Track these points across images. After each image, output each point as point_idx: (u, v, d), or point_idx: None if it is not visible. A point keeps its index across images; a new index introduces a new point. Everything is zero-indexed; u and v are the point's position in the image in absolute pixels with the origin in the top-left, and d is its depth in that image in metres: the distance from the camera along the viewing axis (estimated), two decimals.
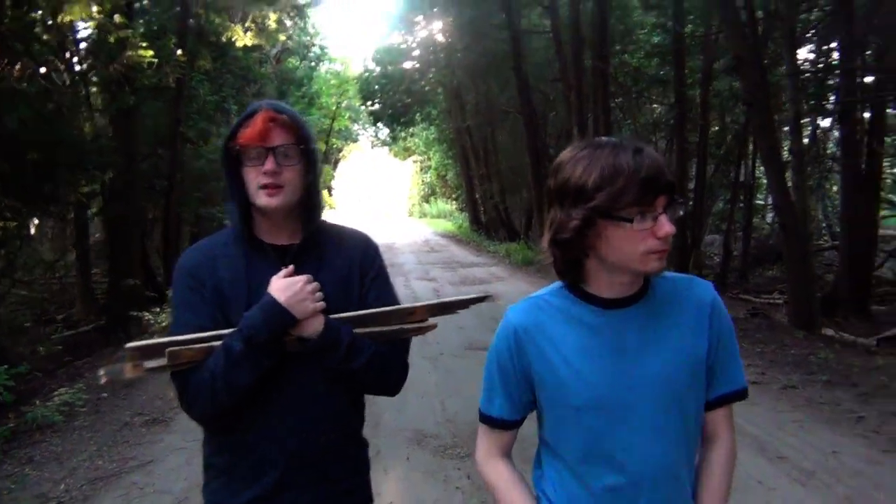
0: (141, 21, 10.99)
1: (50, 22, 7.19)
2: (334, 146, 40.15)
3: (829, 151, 14.15)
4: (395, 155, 44.99)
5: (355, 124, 41.24)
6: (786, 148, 9.62)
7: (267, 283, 1.49)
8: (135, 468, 4.36)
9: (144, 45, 8.13)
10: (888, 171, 12.27)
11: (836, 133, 13.35)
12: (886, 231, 13.42)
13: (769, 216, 15.98)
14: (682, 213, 1.28)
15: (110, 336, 8.66)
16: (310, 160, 1.56)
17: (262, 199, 1.50)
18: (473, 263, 16.52)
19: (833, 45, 11.75)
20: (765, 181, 11.99)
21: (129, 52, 7.88)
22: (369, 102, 23.68)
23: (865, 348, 7.07)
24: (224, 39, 12.16)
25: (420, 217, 42.60)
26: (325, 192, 38.89)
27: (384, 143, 39.88)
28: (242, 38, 11.92)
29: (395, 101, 21.58)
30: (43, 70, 7.64)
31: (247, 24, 11.99)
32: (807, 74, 11.10)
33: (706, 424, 1.41)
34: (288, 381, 1.52)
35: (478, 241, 22.50)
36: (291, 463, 1.52)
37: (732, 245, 13.74)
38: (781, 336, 7.54)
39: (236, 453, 1.54)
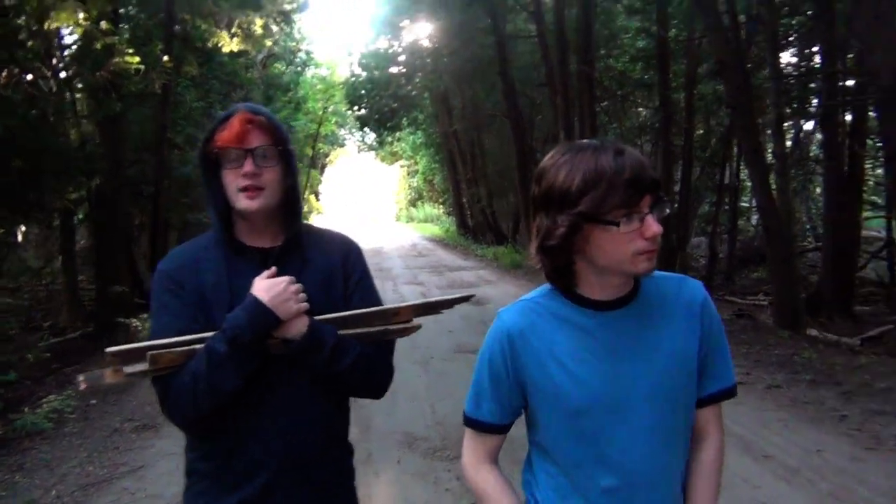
0: (126, 27, 10.94)
1: (35, 28, 7.15)
2: (321, 151, 39.95)
3: (811, 154, 14.32)
4: (382, 159, 44.92)
5: (342, 129, 40.99)
6: (769, 150, 9.71)
7: (249, 285, 1.47)
8: (126, 474, 4.36)
9: (131, 51, 8.09)
10: (870, 172, 12.39)
11: (818, 136, 13.57)
12: (869, 232, 13.51)
13: (754, 218, 16.05)
14: (668, 211, 1.28)
15: (98, 343, 8.60)
16: (288, 161, 1.55)
17: (242, 203, 1.49)
18: (461, 267, 16.56)
19: (815, 49, 11.93)
20: (749, 183, 12.09)
21: (116, 59, 7.83)
22: (356, 107, 23.59)
23: (849, 348, 7.14)
24: (210, 45, 12.11)
25: (407, 221, 42.73)
26: (312, 197, 38.89)
27: (371, 148, 39.61)
28: (229, 43, 11.87)
29: (381, 105, 21.52)
30: (29, 77, 7.59)
31: (233, 30, 11.93)
32: (789, 78, 11.26)
33: (696, 422, 1.40)
34: (275, 384, 1.51)
35: (465, 245, 22.55)
36: (282, 465, 1.50)
37: (718, 247, 13.82)
38: (766, 336, 7.63)
39: (225, 457, 1.52)
